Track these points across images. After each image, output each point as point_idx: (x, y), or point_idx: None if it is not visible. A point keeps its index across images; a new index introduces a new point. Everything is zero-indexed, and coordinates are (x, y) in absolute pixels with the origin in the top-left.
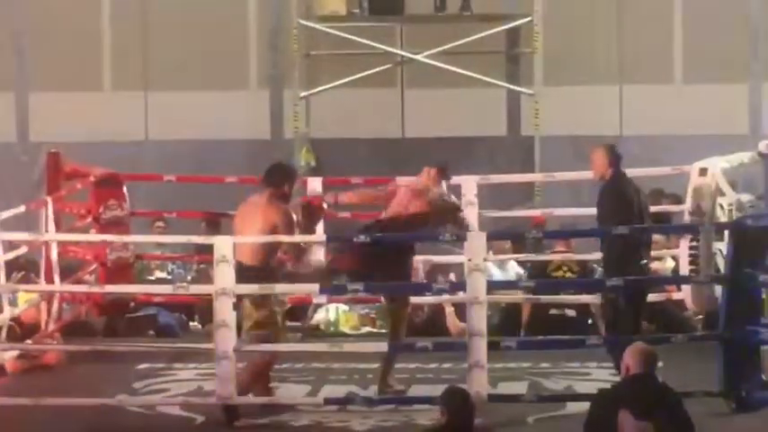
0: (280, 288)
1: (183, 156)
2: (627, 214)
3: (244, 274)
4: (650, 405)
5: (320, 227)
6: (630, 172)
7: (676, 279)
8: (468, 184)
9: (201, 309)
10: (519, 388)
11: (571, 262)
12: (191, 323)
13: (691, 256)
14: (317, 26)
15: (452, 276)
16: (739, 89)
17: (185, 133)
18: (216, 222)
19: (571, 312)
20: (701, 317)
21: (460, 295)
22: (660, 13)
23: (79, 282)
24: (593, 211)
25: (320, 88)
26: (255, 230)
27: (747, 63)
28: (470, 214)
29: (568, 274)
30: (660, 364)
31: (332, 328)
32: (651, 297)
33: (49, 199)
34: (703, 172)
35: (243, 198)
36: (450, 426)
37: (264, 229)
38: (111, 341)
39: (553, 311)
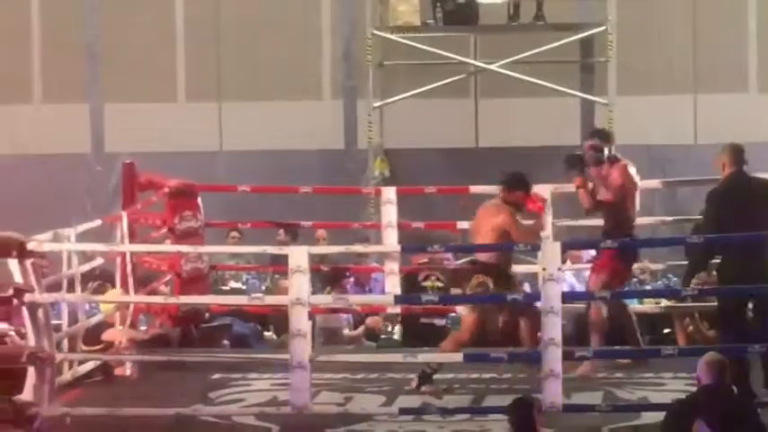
0: (354, 299)
1: (256, 166)
2: (714, 218)
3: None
4: (726, 416)
5: (395, 238)
6: (705, 181)
7: (751, 288)
8: (542, 193)
9: (276, 319)
10: (593, 398)
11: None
12: (265, 333)
13: None
14: (391, 36)
15: (527, 286)
16: None
17: (259, 144)
18: (294, 231)
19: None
20: None
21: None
22: (735, 21)
23: (154, 292)
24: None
25: (394, 98)
26: (485, 231)
27: None
28: (544, 224)
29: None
30: None
31: None
32: None
33: (124, 213)
34: None
35: (317, 208)
36: None
37: (489, 231)
38: (186, 351)
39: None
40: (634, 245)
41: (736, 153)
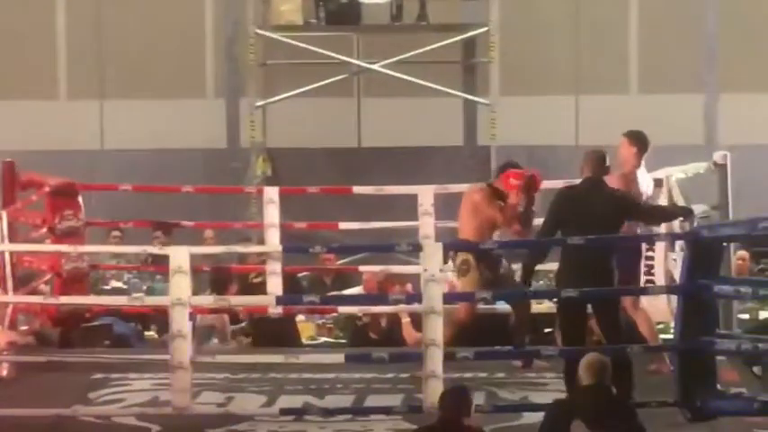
0: (235, 300)
1: (138, 165)
2: (553, 218)
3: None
4: (603, 416)
5: (278, 238)
6: None
7: (632, 290)
8: (425, 194)
9: (158, 318)
10: (476, 398)
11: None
12: (146, 333)
13: (646, 266)
14: (274, 35)
15: (409, 287)
16: (695, 99)
17: (141, 142)
18: (168, 230)
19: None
20: None
21: (417, 306)
22: (616, 23)
23: (34, 292)
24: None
25: (277, 98)
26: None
27: (702, 73)
28: (427, 224)
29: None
30: None
31: None
32: None
33: (3, 213)
34: (659, 182)
35: (199, 207)
36: (441, 422)
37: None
38: (66, 351)
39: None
40: (516, 245)
41: (594, 159)
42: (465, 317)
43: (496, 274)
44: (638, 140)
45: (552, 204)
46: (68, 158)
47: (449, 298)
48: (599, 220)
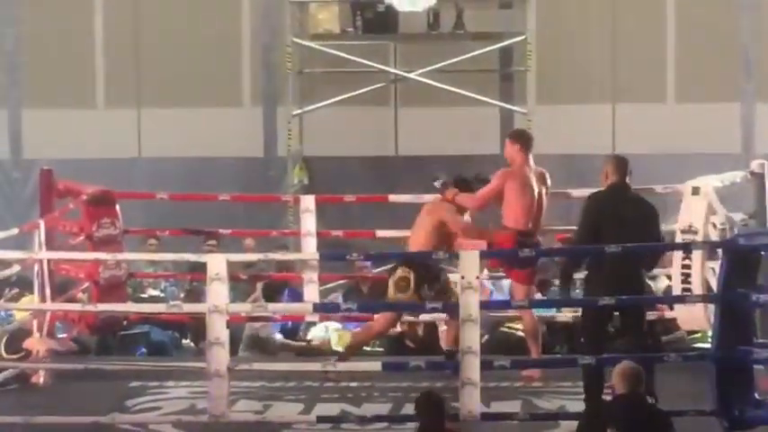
0: (273, 307)
1: (175, 173)
2: (587, 225)
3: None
4: (638, 425)
5: (314, 246)
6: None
7: (669, 298)
8: None
9: (194, 327)
10: (512, 407)
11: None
12: (183, 341)
13: (683, 275)
14: (311, 44)
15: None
16: (731, 108)
17: (178, 150)
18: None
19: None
20: None
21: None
22: (653, 32)
23: (72, 300)
24: None
25: (314, 106)
26: (423, 226)
27: (739, 82)
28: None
29: None
30: None
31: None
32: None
33: (41, 221)
34: (696, 191)
35: (236, 216)
36: (422, 429)
37: (427, 226)
38: (103, 359)
39: None
40: (550, 253)
41: (619, 164)
42: (383, 328)
43: (436, 290)
44: (521, 137)
45: (586, 210)
46: (106, 167)
47: (486, 305)
48: (626, 225)
